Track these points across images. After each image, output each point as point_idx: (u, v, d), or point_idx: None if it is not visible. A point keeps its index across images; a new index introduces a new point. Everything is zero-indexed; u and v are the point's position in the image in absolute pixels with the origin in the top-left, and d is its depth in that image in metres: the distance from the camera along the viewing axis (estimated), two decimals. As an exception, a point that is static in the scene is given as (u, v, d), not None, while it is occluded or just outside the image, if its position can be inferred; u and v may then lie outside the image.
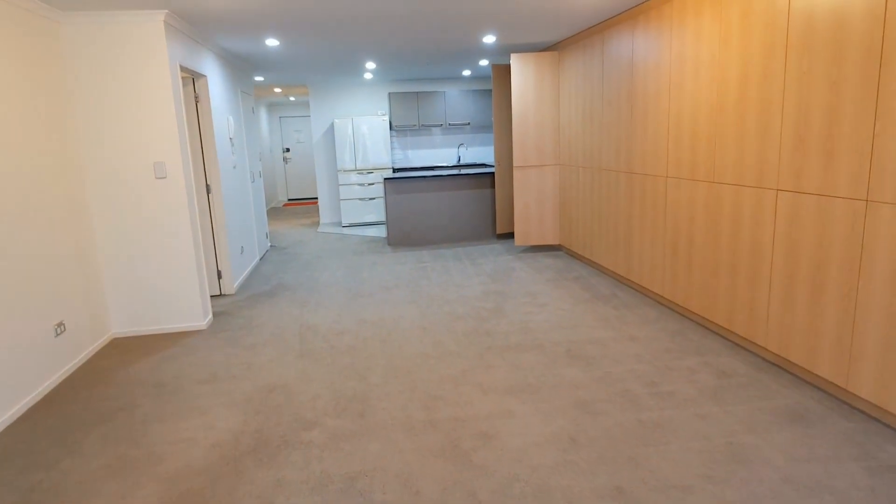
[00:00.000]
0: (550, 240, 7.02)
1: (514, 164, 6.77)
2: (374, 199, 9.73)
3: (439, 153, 10.42)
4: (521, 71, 6.59)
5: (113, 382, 3.69)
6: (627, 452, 2.64)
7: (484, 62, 8.07)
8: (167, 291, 4.55)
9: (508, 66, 7.41)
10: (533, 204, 6.90)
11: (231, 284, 5.70)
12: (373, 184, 9.70)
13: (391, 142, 10.19)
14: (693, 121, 4.09)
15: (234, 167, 6.19)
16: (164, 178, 4.37)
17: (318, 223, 10.29)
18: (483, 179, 7.89)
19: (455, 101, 9.91)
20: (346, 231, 9.30)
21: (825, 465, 2.48)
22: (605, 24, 5.34)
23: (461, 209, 7.91)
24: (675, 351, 3.80)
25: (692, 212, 4.19)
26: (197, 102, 5.28)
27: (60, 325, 3.79)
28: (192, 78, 5.23)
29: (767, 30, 3.31)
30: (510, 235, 8.08)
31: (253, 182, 7.21)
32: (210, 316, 4.84)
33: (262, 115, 12.58)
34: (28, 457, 2.84)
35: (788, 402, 3.05)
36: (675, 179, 4.37)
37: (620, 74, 5.13)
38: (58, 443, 2.96)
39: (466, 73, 9.38)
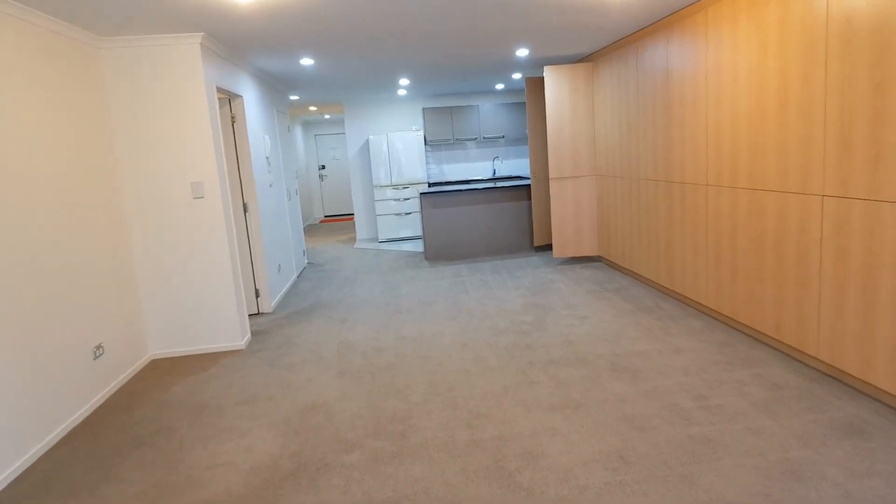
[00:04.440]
0: (588, 251, 6.87)
1: (551, 175, 6.66)
2: (409, 213, 9.71)
3: (474, 167, 10.36)
4: (556, 83, 6.51)
5: (152, 405, 3.69)
6: (679, 470, 2.52)
7: (517, 75, 7.99)
8: (205, 311, 4.57)
9: (542, 79, 7.34)
10: (570, 215, 6.77)
11: (269, 303, 5.71)
12: (408, 199, 9.68)
13: (426, 156, 10.18)
14: (732, 128, 3.98)
15: (271, 186, 6.24)
16: (202, 197, 4.40)
17: (354, 239, 10.31)
18: (519, 192, 7.80)
19: (489, 114, 9.86)
20: (383, 246, 9.30)
21: (887, 480, 2.33)
22: (638, 35, 5.26)
23: (498, 222, 7.82)
24: (723, 363, 3.65)
25: (734, 220, 4.06)
26: (233, 122, 5.34)
27: (99, 347, 3.81)
28: (229, 98, 5.29)
29: (806, 34, 3.21)
30: (548, 247, 7.95)
31: (289, 200, 7.26)
32: (248, 335, 4.84)
33: (298, 133, 12.74)
34: (66, 483, 2.83)
35: (844, 414, 2.91)
36: (716, 188, 4.24)
37: (656, 83, 5.03)
38: (96, 468, 2.94)
39: (500, 86, 9.33)
